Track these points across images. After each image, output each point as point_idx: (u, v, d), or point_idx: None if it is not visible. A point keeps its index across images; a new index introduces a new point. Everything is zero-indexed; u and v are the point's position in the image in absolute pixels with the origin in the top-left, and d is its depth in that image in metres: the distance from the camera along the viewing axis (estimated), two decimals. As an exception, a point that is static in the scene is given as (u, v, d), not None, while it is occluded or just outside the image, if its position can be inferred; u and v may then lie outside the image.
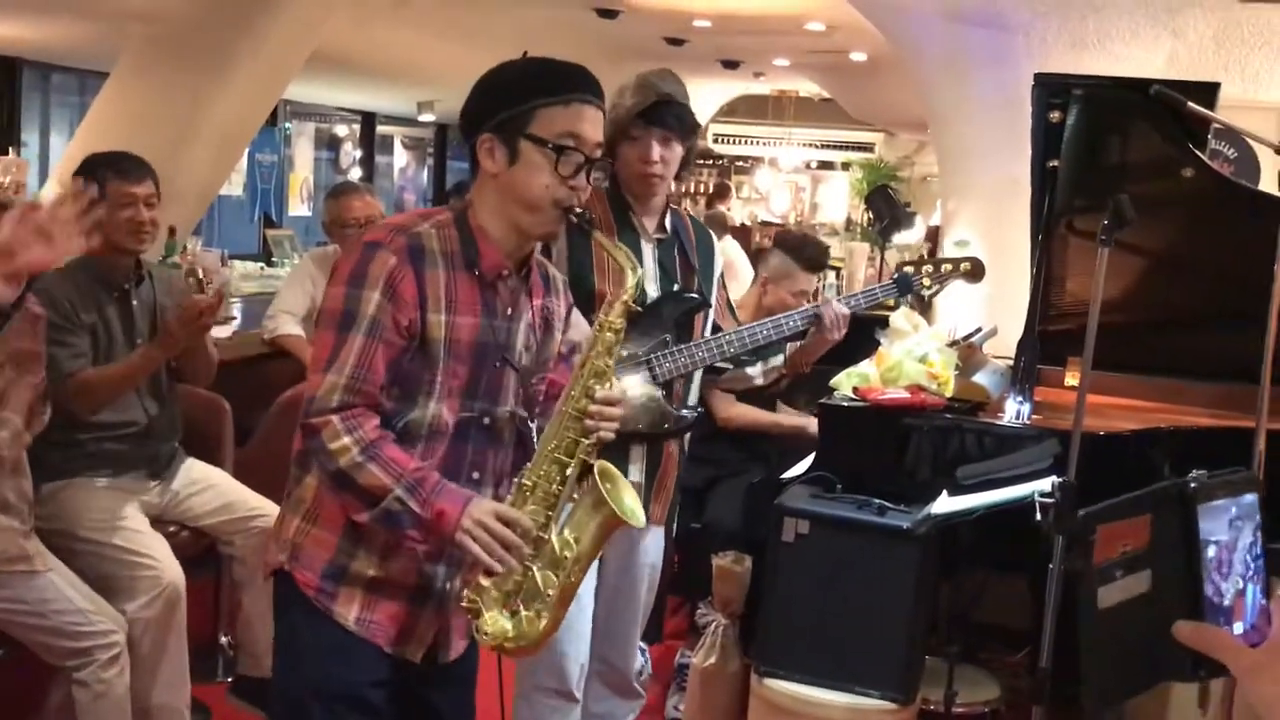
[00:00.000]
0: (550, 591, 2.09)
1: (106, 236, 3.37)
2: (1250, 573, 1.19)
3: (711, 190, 14.44)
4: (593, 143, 2.12)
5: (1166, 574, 1.21)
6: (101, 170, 3.38)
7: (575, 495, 2.13)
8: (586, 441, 2.11)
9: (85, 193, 2.01)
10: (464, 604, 2.11)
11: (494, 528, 2.03)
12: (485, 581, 2.08)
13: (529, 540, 2.07)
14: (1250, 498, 1.20)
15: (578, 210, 2.12)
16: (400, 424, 2.11)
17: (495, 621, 2.09)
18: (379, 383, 2.07)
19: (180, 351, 3.44)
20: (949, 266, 3.30)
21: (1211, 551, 1.17)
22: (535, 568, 2.09)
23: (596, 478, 2.10)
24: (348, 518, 2.12)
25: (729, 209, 13.97)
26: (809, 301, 4.22)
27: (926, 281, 3.27)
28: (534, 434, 2.24)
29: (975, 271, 3.30)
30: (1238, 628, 1.18)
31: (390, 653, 2.18)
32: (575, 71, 2.16)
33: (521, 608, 2.10)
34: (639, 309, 2.31)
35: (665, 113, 2.83)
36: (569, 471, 2.11)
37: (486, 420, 2.20)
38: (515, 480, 2.14)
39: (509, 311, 2.19)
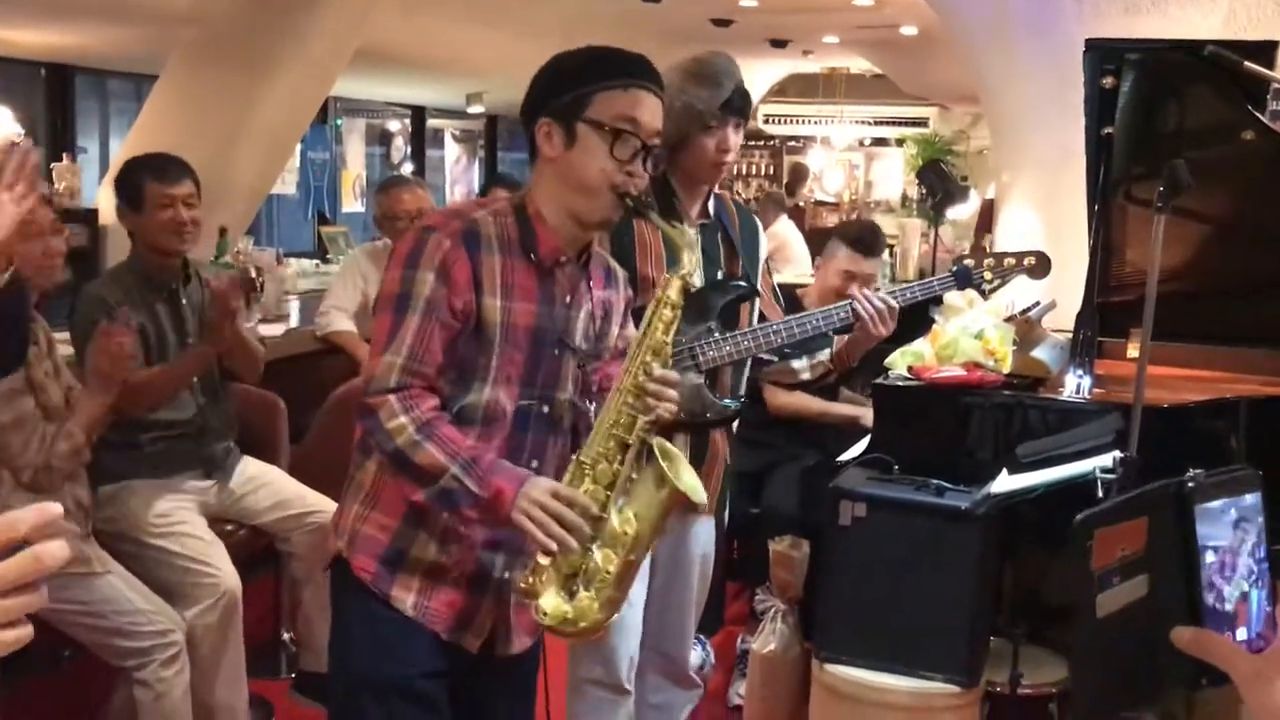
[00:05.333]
0: (610, 570, 2.03)
1: (149, 238, 3.41)
2: (1254, 576, 1.13)
3: (788, 177, 14.39)
4: (650, 130, 2.11)
5: (1164, 578, 1.15)
6: (140, 174, 3.42)
7: (634, 474, 2.07)
8: (645, 419, 2.06)
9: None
10: (521, 585, 2.06)
11: (552, 506, 1.99)
12: (544, 560, 2.02)
13: (588, 519, 2.02)
14: (1252, 498, 1.14)
15: (633, 194, 2.10)
16: (456, 408, 2.10)
17: (554, 604, 2.03)
18: (436, 364, 2.07)
19: (228, 344, 3.46)
20: (1012, 260, 3.19)
21: (1211, 556, 1.11)
22: (594, 547, 2.03)
23: (657, 454, 2.05)
24: (407, 502, 2.11)
25: (809, 192, 13.96)
26: (858, 283, 4.15)
27: (988, 275, 3.17)
28: (592, 418, 2.20)
29: (1040, 266, 3.19)
30: (1241, 634, 1.13)
31: (447, 640, 2.17)
32: (636, 59, 2.15)
33: (580, 589, 2.04)
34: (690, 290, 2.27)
35: (739, 100, 2.83)
36: (628, 449, 2.06)
37: (546, 408, 2.18)
38: (574, 458, 2.09)
39: (568, 299, 2.19)
